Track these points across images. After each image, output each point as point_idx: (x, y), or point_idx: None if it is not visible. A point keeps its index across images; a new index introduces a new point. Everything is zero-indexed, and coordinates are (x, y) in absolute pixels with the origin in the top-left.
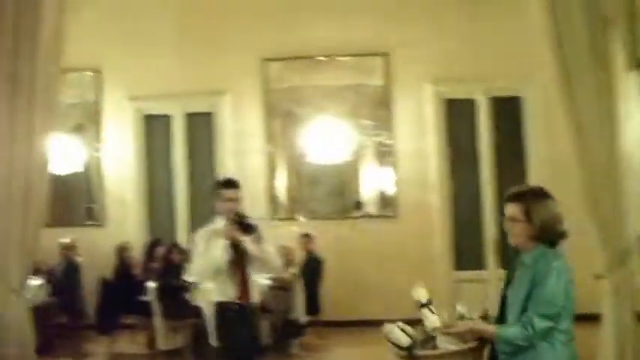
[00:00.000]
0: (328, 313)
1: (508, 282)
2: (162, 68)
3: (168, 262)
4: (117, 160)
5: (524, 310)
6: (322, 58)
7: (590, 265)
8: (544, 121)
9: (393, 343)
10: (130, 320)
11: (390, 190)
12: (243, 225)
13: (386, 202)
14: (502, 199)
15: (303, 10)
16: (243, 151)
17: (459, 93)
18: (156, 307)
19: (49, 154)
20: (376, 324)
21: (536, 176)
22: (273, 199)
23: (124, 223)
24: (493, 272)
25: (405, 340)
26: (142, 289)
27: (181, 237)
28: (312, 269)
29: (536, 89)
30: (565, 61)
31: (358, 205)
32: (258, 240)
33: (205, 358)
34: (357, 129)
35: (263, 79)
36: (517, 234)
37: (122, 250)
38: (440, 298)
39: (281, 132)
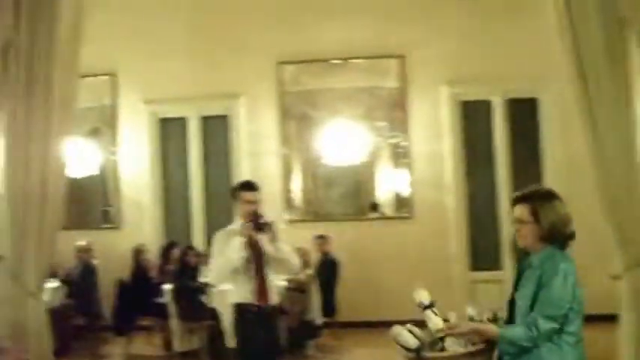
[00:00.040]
0: (344, 314)
1: (516, 284)
2: (178, 71)
3: (183, 264)
4: (133, 163)
5: (531, 311)
6: (337, 60)
7: (607, 266)
8: (560, 123)
9: (401, 346)
10: (146, 322)
11: (406, 191)
12: (259, 223)
13: (401, 203)
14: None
15: (318, 12)
16: (258, 153)
17: (475, 94)
18: (172, 309)
19: (66, 157)
20: (392, 325)
21: (552, 177)
22: (288, 201)
23: (140, 225)
24: (509, 273)
25: (412, 343)
26: (158, 291)
27: (197, 239)
28: (327, 271)
29: (552, 90)
30: (581, 62)
31: (374, 206)
32: (274, 239)
33: (221, 359)
34: (372, 131)
35: (278, 82)
36: (525, 235)
37: (138, 253)
38: (456, 298)
39: (296, 134)
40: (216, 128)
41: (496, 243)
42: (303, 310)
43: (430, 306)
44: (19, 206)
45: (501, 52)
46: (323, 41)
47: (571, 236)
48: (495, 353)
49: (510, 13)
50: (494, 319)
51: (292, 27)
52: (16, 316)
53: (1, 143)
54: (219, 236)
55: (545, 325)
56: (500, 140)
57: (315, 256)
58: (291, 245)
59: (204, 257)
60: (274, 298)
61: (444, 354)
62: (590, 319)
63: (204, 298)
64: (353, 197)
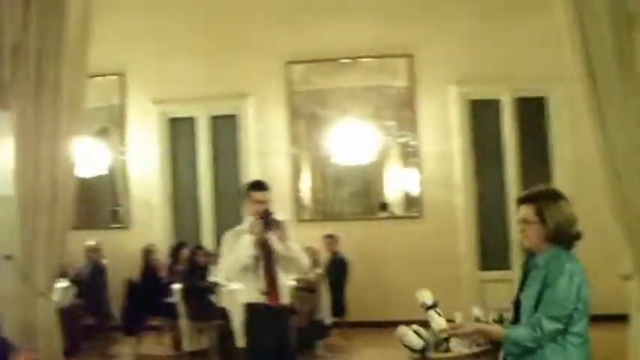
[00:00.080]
0: (354, 314)
1: (522, 285)
2: (186, 71)
3: (193, 264)
4: (142, 163)
5: (536, 311)
6: (346, 60)
7: (617, 266)
8: (569, 122)
9: (406, 346)
10: (155, 322)
11: (415, 191)
12: (269, 221)
13: (411, 202)
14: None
15: (327, 12)
16: (267, 153)
17: (484, 93)
18: (181, 309)
19: (75, 157)
20: (406, 324)
21: (561, 177)
22: (297, 200)
23: (150, 225)
24: (518, 272)
25: (417, 343)
26: (168, 291)
27: (206, 239)
28: (337, 270)
29: (561, 89)
30: (590, 61)
31: (383, 205)
32: (283, 237)
33: (230, 359)
34: (381, 130)
35: (287, 82)
36: (530, 236)
37: (148, 253)
38: (465, 298)
39: (305, 134)
40: (225, 128)
41: (505, 242)
42: (312, 310)
43: (433, 306)
44: (29, 206)
45: (510, 51)
46: (332, 40)
47: (577, 236)
48: (501, 354)
49: (519, 12)
50: (499, 320)
51: (301, 27)
52: (25, 316)
53: (11, 143)
54: (228, 236)
55: (550, 326)
56: (509, 139)
57: (324, 256)
58: (300, 245)
59: (213, 257)
60: (285, 298)
61: (449, 355)
62: (601, 320)
63: (213, 298)
64: (362, 197)
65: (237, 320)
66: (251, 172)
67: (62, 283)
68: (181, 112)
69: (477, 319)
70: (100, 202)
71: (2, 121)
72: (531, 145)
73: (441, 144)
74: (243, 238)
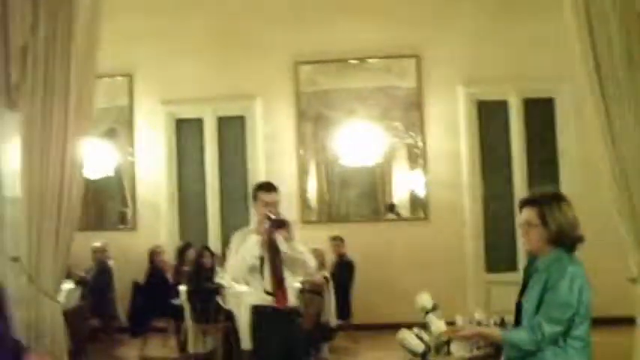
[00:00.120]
0: (360, 316)
1: (523, 288)
2: (194, 72)
3: (199, 266)
4: (149, 164)
5: (537, 314)
6: (353, 60)
7: (624, 269)
8: (577, 123)
9: (408, 350)
10: (161, 323)
11: (422, 192)
12: (276, 221)
13: (417, 204)
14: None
15: (334, 13)
16: (274, 154)
17: (491, 94)
18: (187, 311)
19: (83, 158)
20: (408, 327)
21: (568, 178)
22: (304, 202)
23: (156, 227)
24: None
25: (418, 347)
26: (174, 293)
27: (212, 240)
28: (343, 272)
29: (569, 90)
30: (598, 61)
31: (390, 207)
32: (289, 238)
33: None
34: (388, 131)
35: (294, 83)
36: (533, 239)
37: (154, 254)
38: (471, 300)
39: (312, 135)
40: (233, 129)
41: (512, 244)
42: (318, 312)
43: (432, 310)
44: (36, 207)
45: (518, 51)
46: (339, 41)
47: (579, 239)
48: (502, 357)
49: (527, 13)
50: (501, 323)
51: (308, 27)
52: (32, 317)
53: (18, 144)
54: (236, 237)
55: (550, 329)
56: (517, 140)
57: (330, 258)
58: (306, 246)
59: (219, 259)
60: (292, 300)
61: (450, 358)
62: (609, 322)
63: (219, 300)
64: (369, 198)
65: (243, 322)
66: (258, 173)
67: (68, 285)
68: (189, 113)
69: (479, 323)
70: (107, 203)
71: (10, 121)
72: (539, 146)
73: (448, 145)
74: (250, 238)
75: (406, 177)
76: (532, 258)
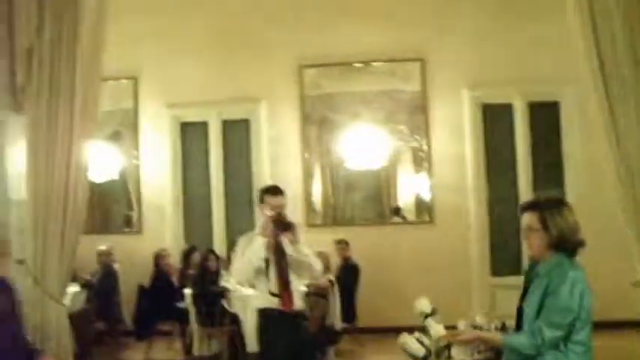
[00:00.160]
0: (365, 319)
1: (524, 293)
2: (199, 75)
3: (204, 269)
4: (154, 167)
5: (537, 319)
6: (358, 64)
7: (627, 271)
8: (582, 126)
9: (408, 354)
10: (166, 327)
11: (427, 195)
12: (281, 223)
13: (422, 207)
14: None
15: (339, 16)
16: (279, 157)
17: (496, 98)
18: (192, 314)
19: (88, 161)
20: (413, 331)
21: (573, 181)
22: (309, 205)
23: (161, 230)
24: None
25: (418, 350)
26: (179, 296)
27: (217, 243)
28: (348, 276)
29: (574, 93)
30: (602, 61)
31: (396, 210)
32: (294, 241)
33: None
34: (393, 135)
35: (299, 86)
36: (534, 243)
37: (159, 257)
38: (476, 303)
39: (317, 138)
40: (238, 132)
41: (517, 248)
42: (323, 316)
43: (431, 314)
44: (41, 210)
45: (523, 54)
46: (344, 45)
47: (580, 244)
48: None
49: (532, 15)
50: (502, 328)
51: (313, 31)
52: (37, 320)
53: (24, 147)
54: (242, 240)
55: (550, 334)
56: (522, 144)
57: (335, 261)
58: (312, 249)
59: (224, 262)
60: (299, 303)
61: None
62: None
63: (224, 303)
64: (373, 202)
65: (249, 325)
66: (263, 176)
67: (73, 288)
68: (193, 116)
69: (480, 328)
70: (112, 206)
71: (15, 124)
72: (544, 149)
73: (453, 148)
74: (256, 240)
75: (411, 180)
76: (533, 263)
